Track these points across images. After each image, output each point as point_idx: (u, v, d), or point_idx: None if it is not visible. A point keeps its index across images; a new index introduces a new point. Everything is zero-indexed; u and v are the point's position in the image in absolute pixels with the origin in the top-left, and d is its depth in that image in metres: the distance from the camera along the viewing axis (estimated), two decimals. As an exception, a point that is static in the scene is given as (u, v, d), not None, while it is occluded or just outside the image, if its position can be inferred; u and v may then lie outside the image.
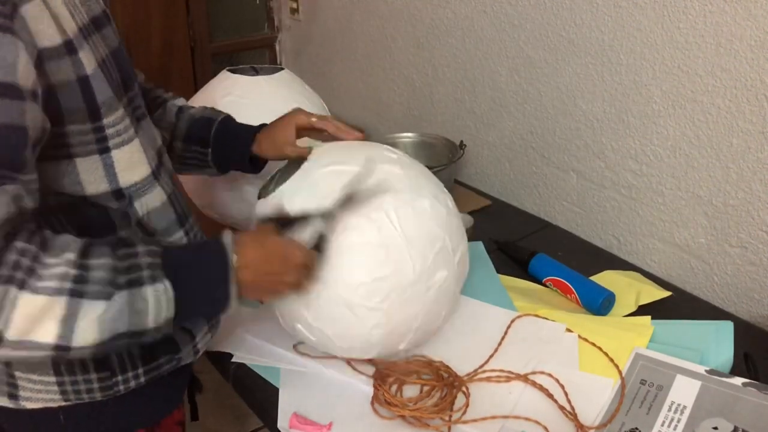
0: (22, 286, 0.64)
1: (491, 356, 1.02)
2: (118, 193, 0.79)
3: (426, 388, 0.94)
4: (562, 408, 0.92)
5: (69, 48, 0.71)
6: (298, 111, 1.03)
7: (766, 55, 1.04)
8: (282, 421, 0.92)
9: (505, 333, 1.07)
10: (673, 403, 0.92)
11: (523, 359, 1.01)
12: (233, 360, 1.03)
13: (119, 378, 0.83)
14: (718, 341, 1.04)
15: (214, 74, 1.34)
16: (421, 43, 1.68)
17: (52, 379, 0.81)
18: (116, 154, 0.77)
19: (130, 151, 0.79)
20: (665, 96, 1.20)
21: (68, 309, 0.66)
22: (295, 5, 2.08)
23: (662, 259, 1.29)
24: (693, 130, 1.17)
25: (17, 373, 0.80)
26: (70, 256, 0.67)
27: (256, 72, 1.33)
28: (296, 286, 0.84)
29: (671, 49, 1.16)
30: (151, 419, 0.91)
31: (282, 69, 1.34)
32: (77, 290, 0.66)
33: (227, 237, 0.77)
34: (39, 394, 0.81)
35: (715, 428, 0.88)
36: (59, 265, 0.66)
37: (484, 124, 1.57)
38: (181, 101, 1.08)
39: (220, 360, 1.04)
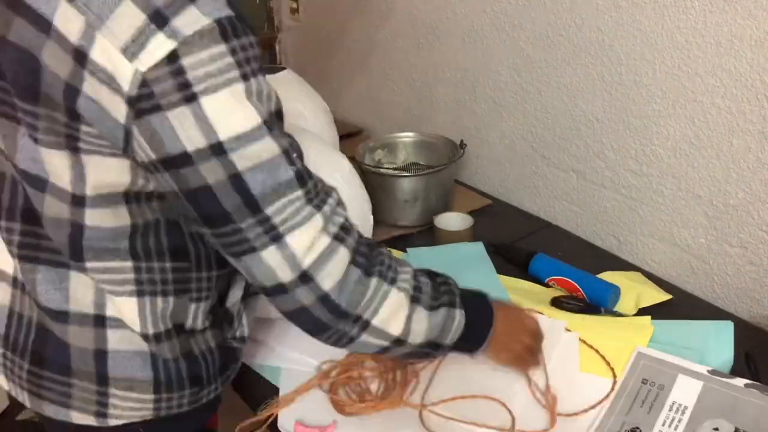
0: (392, 282, 0.78)
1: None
2: None
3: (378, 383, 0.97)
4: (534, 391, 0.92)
5: None
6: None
7: (766, 55, 1.04)
8: (282, 421, 0.92)
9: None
10: (674, 403, 0.92)
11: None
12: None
13: (205, 391, 0.87)
14: (718, 341, 1.04)
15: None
16: (421, 43, 1.68)
17: (150, 396, 0.83)
18: None
19: None
20: (665, 96, 1.20)
21: (410, 310, 0.79)
22: (295, 5, 2.08)
23: (662, 259, 1.29)
24: (693, 130, 1.17)
25: (112, 391, 0.81)
26: (410, 269, 0.82)
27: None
28: (530, 351, 0.95)
29: (671, 49, 1.16)
30: (208, 416, 0.94)
31: (284, 68, 1.34)
32: (416, 297, 0.80)
33: (491, 299, 0.91)
34: (130, 411, 0.83)
35: (716, 429, 0.88)
36: (407, 273, 0.81)
37: (484, 124, 1.57)
38: None
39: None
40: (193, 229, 0.79)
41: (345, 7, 1.90)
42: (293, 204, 0.71)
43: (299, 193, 0.71)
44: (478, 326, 0.88)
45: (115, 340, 0.80)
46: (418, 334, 0.80)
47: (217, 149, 0.66)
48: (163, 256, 0.78)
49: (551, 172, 1.45)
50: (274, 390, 0.98)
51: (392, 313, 0.77)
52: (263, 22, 2.18)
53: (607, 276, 1.21)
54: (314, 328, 0.76)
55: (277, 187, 0.69)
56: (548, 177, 1.46)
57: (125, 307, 0.79)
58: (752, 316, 1.16)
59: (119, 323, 0.80)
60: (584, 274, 1.18)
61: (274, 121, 0.70)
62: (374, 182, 1.37)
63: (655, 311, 1.13)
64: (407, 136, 1.55)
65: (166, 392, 0.83)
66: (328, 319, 0.75)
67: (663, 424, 0.89)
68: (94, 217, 0.74)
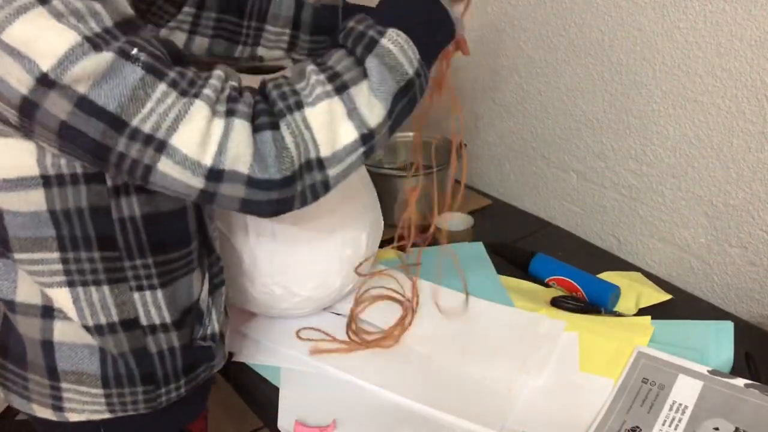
0: (299, 107, 0.68)
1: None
2: None
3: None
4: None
5: None
6: None
7: (766, 55, 1.04)
8: (282, 421, 0.92)
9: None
10: (674, 402, 0.92)
11: (522, 358, 1.01)
12: (233, 360, 1.03)
13: (162, 390, 0.84)
14: (718, 341, 1.04)
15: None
16: (421, 43, 1.68)
17: (100, 391, 0.81)
18: None
19: None
20: (665, 96, 1.20)
21: (345, 104, 0.69)
22: (294, 5, 2.07)
23: (662, 259, 1.29)
24: (693, 130, 1.17)
25: (63, 385, 0.80)
26: (310, 67, 0.71)
27: (257, 70, 1.33)
28: None
29: (671, 49, 1.16)
30: (186, 422, 0.92)
31: (284, 68, 1.34)
32: (338, 85, 0.69)
33: None
34: (85, 405, 0.81)
35: (716, 429, 0.88)
36: (310, 80, 0.70)
37: (484, 124, 1.57)
38: None
39: (224, 362, 1.04)
40: (122, 209, 0.73)
41: (345, 7, 1.90)
42: (162, 102, 0.63)
43: (162, 87, 0.63)
44: (423, 15, 0.76)
45: (60, 331, 0.78)
46: (376, 109, 0.71)
47: (46, 80, 0.59)
48: (90, 245, 0.74)
49: (551, 172, 1.45)
50: (274, 390, 0.97)
51: (329, 128, 0.69)
52: (263, 22, 2.17)
53: (607, 276, 1.21)
54: (277, 208, 0.70)
55: (133, 92, 0.62)
56: (548, 177, 1.46)
57: (59, 298, 0.76)
58: (752, 316, 1.16)
59: (63, 315, 0.77)
60: (584, 274, 1.18)
61: (110, 37, 0.62)
62: (374, 182, 1.37)
63: (655, 311, 1.13)
64: (407, 136, 1.55)
65: (116, 387, 0.81)
66: (279, 194, 0.68)
67: (663, 424, 0.89)
68: (9, 202, 0.71)
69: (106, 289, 0.76)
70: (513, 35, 1.44)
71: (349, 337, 1.06)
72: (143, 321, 0.79)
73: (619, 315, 1.12)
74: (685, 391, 0.93)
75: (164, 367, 0.83)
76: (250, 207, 0.69)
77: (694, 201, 1.21)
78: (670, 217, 1.25)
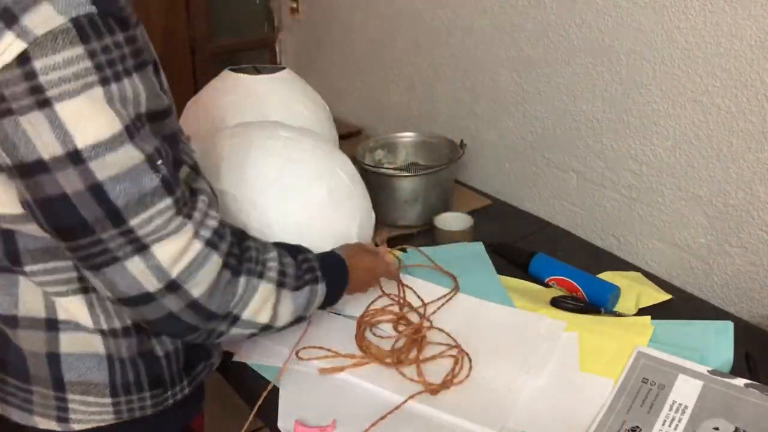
0: (260, 276, 0.79)
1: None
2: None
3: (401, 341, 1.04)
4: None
5: (155, 67, 0.74)
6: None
7: (766, 55, 1.04)
8: (282, 421, 0.92)
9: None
10: (674, 402, 0.92)
11: (522, 358, 1.01)
12: (233, 360, 1.03)
13: (169, 393, 0.86)
14: (718, 341, 1.04)
15: (215, 74, 1.34)
16: (421, 43, 1.68)
17: (108, 400, 0.82)
18: None
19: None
20: (665, 96, 1.20)
21: (277, 296, 0.81)
22: (295, 5, 2.08)
23: (662, 259, 1.29)
24: (693, 130, 1.17)
25: (69, 396, 0.81)
26: (274, 254, 0.83)
27: (257, 71, 1.33)
28: (375, 275, 1.04)
29: (671, 49, 1.16)
30: (187, 419, 0.94)
31: (283, 68, 1.34)
32: (282, 281, 0.82)
33: (340, 250, 0.97)
34: (92, 415, 0.82)
35: (716, 429, 0.88)
36: (273, 260, 0.82)
37: (484, 124, 1.57)
38: None
39: (220, 360, 1.04)
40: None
41: (345, 7, 1.90)
42: (162, 214, 0.69)
43: (168, 201, 0.69)
44: (338, 288, 0.93)
45: (67, 343, 0.79)
46: (285, 316, 0.83)
47: (75, 157, 0.63)
48: None
49: (551, 172, 1.45)
50: (274, 390, 0.97)
51: (261, 304, 0.79)
52: (263, 22, 2.18)
53: (607, 276, 1.21)
54: (182, 332, 0.76)
55: (142, 197, 0.67)
56: (548, 177, 1.46)
57: (73, 306, 0.77)
58: (752, 316, 1.16)
59: (71, 326, 0.78)
60: (584, 274, 1.18)
61: (140, 125, 0.67)
62: (374, 182, 1.37)
63: (655, 311, 1.13)
64: (407, 136, 1.55)
65: (125, 395, 0.82)
66: (198, 322, 0.75)
67: (663, 424, 0.89)
68: (25, 228, 0.73)
69: None
70: (513, 35, 1.44)
71: (361, 349, 1.03)
72: None
73: (619, 315, 1.12)
74: (685, 391, 0.93)
75: (170, 369, 0.85)
76: (170, 321, 0.74)
77: (694, 201, 1.21)
78: (670, 217, 1.25)
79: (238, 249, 0.78)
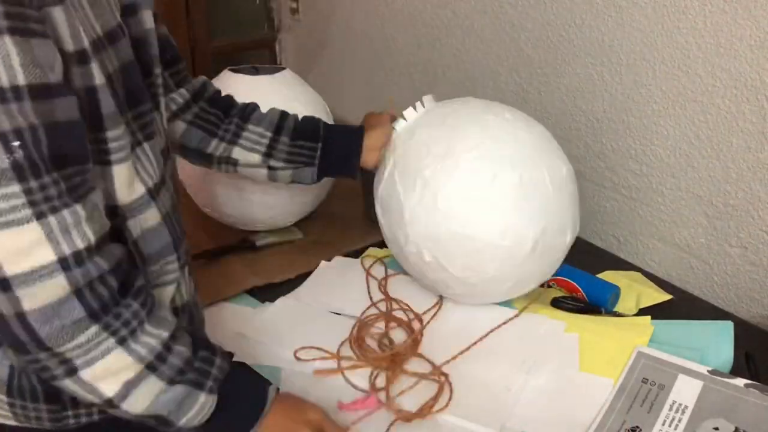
0: (121, 342, 0.68)
1: (473, 344, 1.04)
2: (113, 211, 0.75)
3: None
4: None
5: (82, 57, 0.68)
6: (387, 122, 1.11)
7: (766, 55, 1.04)
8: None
9: (498, 327, 1.08)
10: (674, 402, 0.92)
11: (521, 358, 1.01)
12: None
13: (70, 413, 0.81)
14: (718, 341, 1.04)
15: (214, 74, 1.34)
16: (421, 43, 1.68)
17: (4, 398, 0.79)
18: (116, 170, 0.74)
19: (129, 168, 0.75)
20: (665, 96, 1.20)
21: (137, 376, 0.69)
22: (295, 5, 2.08)
23: (662, 259, 1.29)
24: (693, 130, 1.17)
25: None
26: (165, 334, 0.72)
27: (257, 71, 1.33)
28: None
29: (671, 49, 1.16)
30: None
31: (283, 69, 1.34)
32: (154, 365, 0.70)
33: (272, 391, 0.81)
34: None
35: (716, 429, 0.88)
36: (156, 339, 0.71)
37: (484, 124, 1.57)
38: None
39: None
40: None
41: (345, 8, 1.90)
42: (7, 200, 0.61)
43: (15, 188, 0.61)
44: (238, 419, 0.77)
45: None
46: (140, 404, 0.71)
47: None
48: None
49: (551, 172, 1.45)
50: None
51: (108, 372, 0.68)
52: (263, 22, 2.18)
53: (607, 276, 1.21)
54: (13, 344, 0.66)
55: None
56: (548, 177, 1.46)
57: None
58: (752, 316, 1.16)
59: None
60: (584, 274, 1.18)
61: (6, 97, 0.60)
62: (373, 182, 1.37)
63: (655, 311, 1.13)
64: (407, 136, 1.55)
65: (20, 399, 0.78)
66: (26, 341, 0.65)
67: (663, 424, 0.89)
68: None
69: None
70: (513, 35, 1.44)
71: (354, 351, 1.02)
72: None
73: (619, 315, 1.12)
74: (685, 391, 0.93)
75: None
76: (1, 325, 0.65)
77: (694, 201, 1.21)
78: (670, 217, 1.25)
79: (111, 298, 0.67)
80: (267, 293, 1.17)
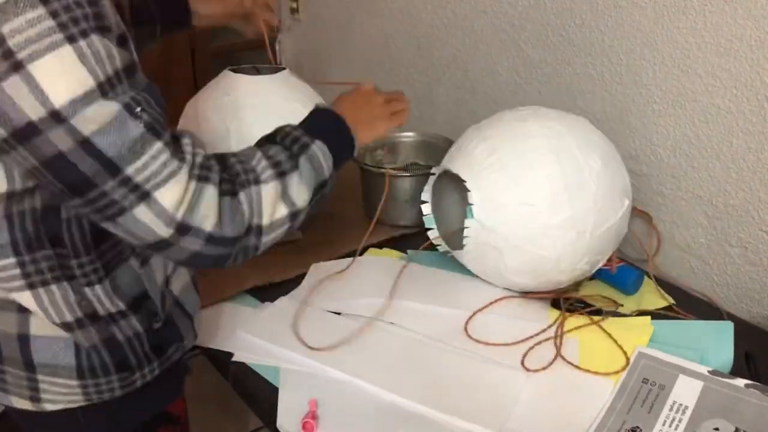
0: (257, 182, 0.80)
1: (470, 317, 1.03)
2: None
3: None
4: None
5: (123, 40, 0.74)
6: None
7: (766, 55, 1.04)
8: (282, 421, 0.92)
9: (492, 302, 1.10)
10: (674, 402, 0.92)
11: (522, 358, 1.01)
12: (233, 360, 1.03)
13: (137, 375, 0.88)
14: (718, 341, 1.04)
15: (214, 74, 1.34)
16: (421, 43, 1.68)
17: (75, 382, 0.84)
18: None
19: None
20: (665, 96, 1.20)
21: (282, 186, 0.82)
22: (295, 5, 2.08)
23: (662, 259, 1.29)
24: (693, 130, 1.17)
25: (40, 377, 0.83)
26: (259, 154, 0.83)
27: (257, 71, 1.33)
28: (387, 117, 1.06)
29: (671, 49, 1.16)
30: (162, 402, 0.95)
31: (284, 69, 1.34)
32: (279, 172, 0.82)
33: (324, 105, 0.98)
34: (62, 396, 0.85)
35: (716, 429, 0.88)
36: (259, 163, 0.82)
37: (484, 124, 1.57)
38: None
39: (220, 360, 1.04)
40: (70, 209, 0.77)
41: (345, 7, 1.90)
42: (156, 159, 0.71)
43: (159, 145, 0.71)
44: (338, 136, 0.92)
45: (36, 326, 0.82)
46: (302, 195, 0.84)
47: (57, 116, 0.66)
48: (43, 245, 0.78)
49: (551, 172, 1.45)
50: (274, 390, 0.97)
51: (273, 204, 0.81)
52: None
53: (608, 276, 1.21)
54: (217, 262, 0.79)
55: (132, 145, 0.69)
56: (548, 177, 1.46)
57: (24, 300, 0.79)
58: (752, 316, 1.16)
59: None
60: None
61: (117, 80, 0.69)
62: (374, 182, 1.37)
63: (655, 311, 1.13)
64: (407, 136, 1.55)
65: (92, 378, 0.84)
66: (224, 250, 0.78)
67: (663, 424, 0.89)
68: None
69: (64, 286, 0.79)
70: (513, 35, 1.44)
71: None
72: (101, 312, 0.82)
73: (619, 315, 1.12)
74: (685, 392, 0.93)
75: (135, 353, 0.87)
76: (200, 259, 0.77)
77: (694, 201, 1.21)
78: (670, 217, 1.25)
79: (226, 172, 0.79)
80: (267, 293, 1.17)
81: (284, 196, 0.82)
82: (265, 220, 0.80)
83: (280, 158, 0.84)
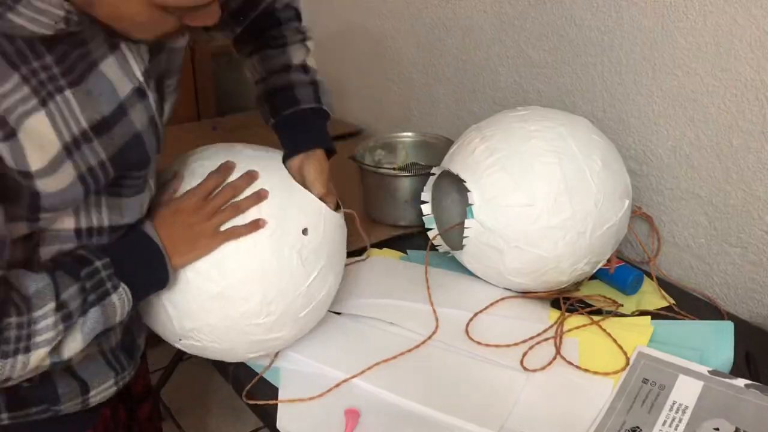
0: (26, 350, 0.72)
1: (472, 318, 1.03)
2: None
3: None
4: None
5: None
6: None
7: (766, 55, 1.04)
8: (282, 421, 0.92)
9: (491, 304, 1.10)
10: (674, 402, 0.92)
11: (521, 358, 1.01)
12: (233, 360, 1.03)
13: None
14: (718, 341, 1.04)
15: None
16: (421, 43, 1.68)
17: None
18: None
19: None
20: (665, 96, 1.20)
21: (56, 344, 0.74)
22: (294, 5, 2.08)
23: (662, 259, 1.29)
24: (693, 130, 1.17)
25: None
26: (51, 305, 0.74)
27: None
28: (210, 235, 0.87)
29: (671, 49, 1.16)
30: None
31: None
32: (62, 328, 0.74)
33: (148, 226, 0.85)
34: None
35: (717, 429, 0.88)
36: (47, 317, 0.73)
37: (484, 124, 1.57)
38: (300, 54, 1.20)
39: (220, 360, 1.04)
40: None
41: (345, 7, 1.90)
42: None
43: None
44: (148, 271, 0.83)
45: None
46: (75, 347, 0.77)
47: None
48: None
49: (551, 172, 1.45)
50: (274, 390, 0.97)
51: (35, 364, 0.74)
52: (263, 22, 2.18)
53: (607, 276, 1.21)
54: None
55: None
56: (548, 177, 1.46)
57: None
58: (752, 316, 1.16)
59: None
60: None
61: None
62: (374, 182, 1.37)
63: (655, 311, 1.13)
64: (407, 136, 1.55)
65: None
66: None
67: (663, 424, 0.89)
68: None
69: None
70: (513, 35, 1.44)
71: None
72: None
73: (619, 315, 1.12)
74: (686, 392, 0.93)
75: None
76: None
77: (694, 201, 1.21)
78: (670, 217, 1.25)
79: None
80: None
81: (53, 352, 0.75)
82: (17, 374, 0.73)
83: (70, 308, 0.75)
